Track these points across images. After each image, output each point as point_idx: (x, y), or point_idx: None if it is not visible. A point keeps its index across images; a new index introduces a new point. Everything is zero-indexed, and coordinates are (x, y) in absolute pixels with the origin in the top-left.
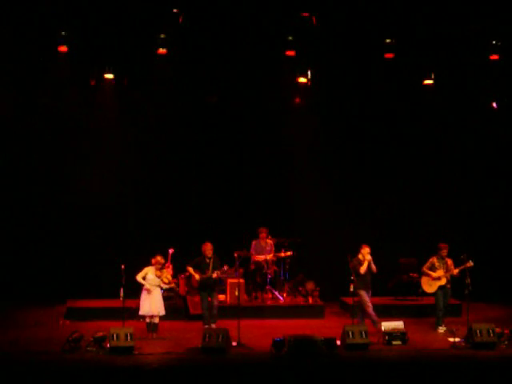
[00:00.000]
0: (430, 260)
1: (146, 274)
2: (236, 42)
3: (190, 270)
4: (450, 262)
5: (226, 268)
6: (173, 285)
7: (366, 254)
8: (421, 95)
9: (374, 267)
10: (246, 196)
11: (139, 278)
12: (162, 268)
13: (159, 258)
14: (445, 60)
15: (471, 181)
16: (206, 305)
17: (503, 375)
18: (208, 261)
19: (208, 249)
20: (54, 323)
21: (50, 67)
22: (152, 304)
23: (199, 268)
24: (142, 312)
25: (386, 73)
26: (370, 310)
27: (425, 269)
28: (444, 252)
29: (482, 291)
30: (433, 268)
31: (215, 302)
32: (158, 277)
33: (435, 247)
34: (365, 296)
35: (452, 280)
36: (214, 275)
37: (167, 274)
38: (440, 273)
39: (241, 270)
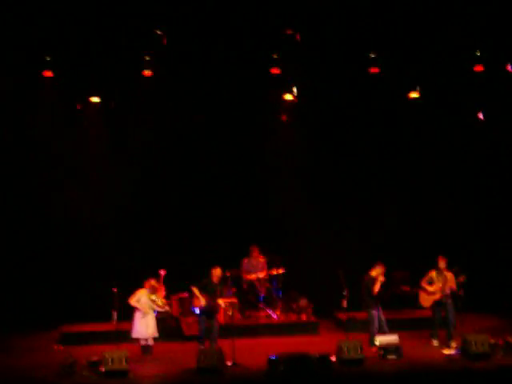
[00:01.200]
0: (429, 274)
1: (140, 297)
2: (221, 60)
3: (196, 290)
4: (449, 275)
5: (234, 290)
6: (167, 308)
7: (380, 274)
8: (407, 108)
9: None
10: (237, 214)
11: (133, 302)
12: (154, 291)
13: (153, 282)
14: (430, 72)
15: (462, 192)
16: (203, 327)
17: None
18: (215, 286)
19: (216, 275)
20: (48, 349)
21: (36, 92)
22: (147, 327)
23: (205, 291)
24: (136, 335)
25: (371, 87)
26: (374, 329)
27: (422, 283)
28: (441, 264)
29: (474, 302)
30: (431, 282)
31: (216, 325)
32: (152, 301)
33: (429, 260)
34: (374, 316)
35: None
36: (221, 303)
37: (161, 297)
38: (436, 287)
39: (233, 289)
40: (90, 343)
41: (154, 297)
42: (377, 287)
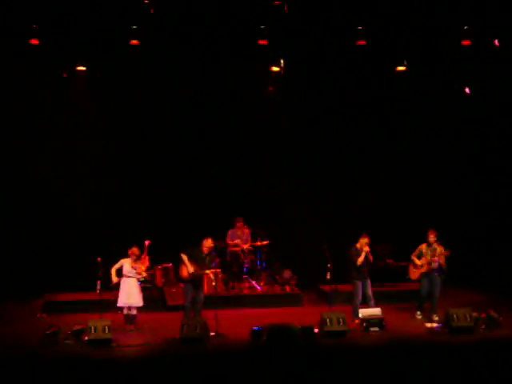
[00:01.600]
0: (420, 247)
1: (122, 265)
2: (208, 32)
3: (185, 258)
4: (439, 248)
5: (218, 261)
6: (146, 275)
7: (364, 244)
8: (393, 82)
9: (370, 257)
10: (222, 186)
11: (113, 269)
12: (137, 259)
13: (135, 250)
14: (417, 46)
15: (445, 166)
16: (190, 297)
17: (480, 359)
18: (204, 256)
19: (207, 245)
20: (31, 317)
21: (22, 60)
22: (129, 295)
23: (194, 260)
24: (119, 303)
25: (358, 60)
26: (357, 302)
27: (412, 256)
28: (431, 238)
29: (458, 276)
30: (420, 255)
31: (202, 297)
32: (134, 268)
33: (415, 233)
34: (358, 288)
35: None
36: (210, 274)
37: (142, 265)
38: (424, 260)
39: (217, 260)
40: (74, 312)
41: (134, 264)
42: (361, 258)
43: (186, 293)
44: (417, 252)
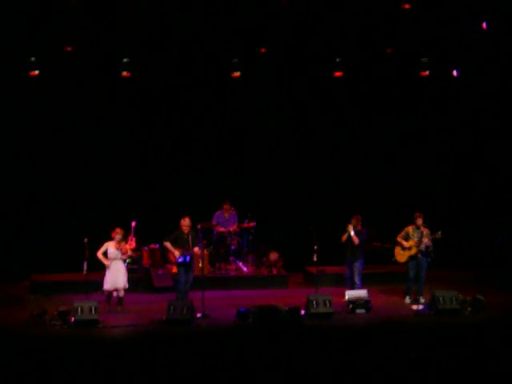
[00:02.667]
0: (406, 229)
1: (107, 248)
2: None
3: (169, 245)
4: (426, 231)
5: (205, 243)
6: (131, 253)
7: (351, 225)
8: (381, 64)
9: (354, 239)
10: (208, 167)
11: (100, 254)
12: (121, 240)
13: (118, 230)
14: (405, 29)
15: (432, 148)
16: (183, 281)
17: (466, 341)
18: (186, 236)
19: (185, 224)
20: (18, 298)
21: None
22: (116, 277)
23: (178, 243)
24: (106, 287)
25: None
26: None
27: (398, 238)
28: (418, 221)
29: (445, 258)
30: (407, 237)
31: (191, 278)
32: (118, 249)
33: (402, 217)
34: (345, 267)
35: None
36: (197, 250)
37: (126, 245)
38: (411, 242)
39: (204, 242)
40: (61, 293)
41: (118, 245)
42: (343, 237)
43: (179, 276)
44: (403, 234)
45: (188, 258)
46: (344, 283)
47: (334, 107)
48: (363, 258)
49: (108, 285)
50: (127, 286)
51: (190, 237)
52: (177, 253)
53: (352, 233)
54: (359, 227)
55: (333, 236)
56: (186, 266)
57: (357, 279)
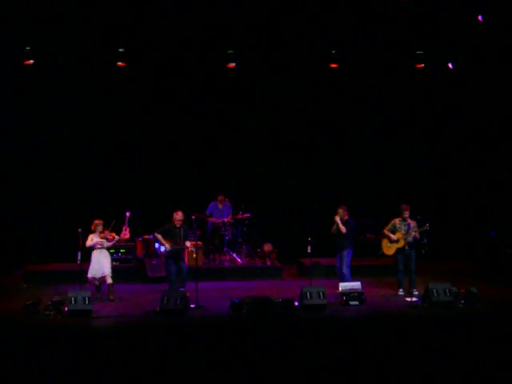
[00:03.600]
0: (392, 221)
1: (92, 240)
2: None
3: (160, 238)
4: (413, 223)
5: (199, 234)
6: (116, 237)
7: (336, 216)
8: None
9: (341, 228)
10: (204, 158)
11: (88, 242)
12: (103, 230)
13: (97, 221)
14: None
15: (428, 140)
16: (173, 271)
17: (459, 333)
18: (178, 230)
19: (178, 218)
20: (12, 288)
21: None
22: (101, 266)
23: (169, 236)
24: (90, 274)
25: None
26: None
27: (385, 230)
28: (405, 213)
29: (439, 251)
30: (394, 230)
31: (185, 267)
32: (104, 238)
33: (394, 208)
34: (336, 258)
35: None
36: (188, 245)
37: (108, 232)
38: (399, 235)
39: (198, 233)
40: (54, 283)
41: (102, 234)
42: (332, 228)
43: (168, 267)
44: (389, 226)
45: (161, 248)
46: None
47: (330, 100)
48: (352, 248)
49: (93, 272)
50: (108, 273)
51: (181, 230)
52: (167, 244)
53: (339, 222)
54: (346, 217)
55: (327, 227)
56: (174, 257)
57: (345, 270)
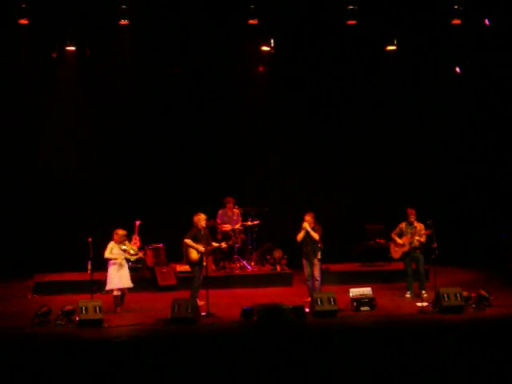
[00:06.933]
0: (399, 226)
1: (112, 249)
2: (198, 11)
3: (190, 242)
4: (419, 227)
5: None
6: (140, 254)
7: (305, 223)
8: (384, 61)
9: (313, 235)
10: (213, 166)
11: (108, 254)
12: (124, 240)
13: (120, 232)
14: (407, 25)
15: (437, 144)
16: (199, 279)
17: (470, 338)
18: (203, 232)
19: (203, 219)
20: (22, 298)
21: (12, 41)
22: (122, 278)
23: (198, 240)
24: (110, 286)
25: (348, 39)
26: (306, 280)
27: (392, 234)
28: (411, 217)
29: (449, 255)
30: (401, 234)
31: (203, 276)
32: (124, 250)
33: (403, 213)
34: (303, 266)
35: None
36: (224, 245)
37: (131, 245)
38: (405, 239)
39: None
40: (65, 293)
41: (124, 246)
42: (299, 235)
43: (195, 275)
44: (397, 230)
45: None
46: (308, 283)
47: (338, 104)
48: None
49: (113, 284)
50: (131, 285)
51: (206, 233)
52: (201, 248)
53: (309, 230)
54: (312, 225)
55: (336, 233)
56: (201, 264)
57: (318, 276)
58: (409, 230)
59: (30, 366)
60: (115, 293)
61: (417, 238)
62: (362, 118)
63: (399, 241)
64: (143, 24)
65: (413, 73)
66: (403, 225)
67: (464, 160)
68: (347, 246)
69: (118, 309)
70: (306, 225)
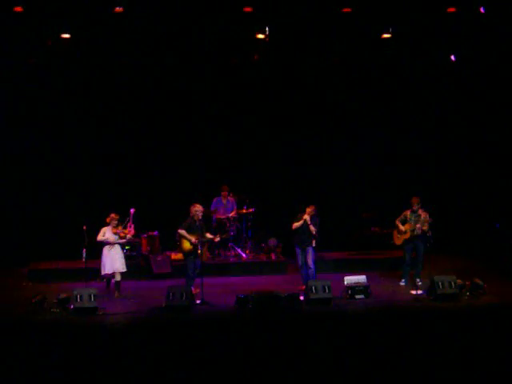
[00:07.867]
0: (404, 213)
1: (105, 233)
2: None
3: (184, 233)
4: (424, 215)
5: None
6: (130, 237)
7: (305, 215)
8: (379, 49)
9: (311, 228)
10: (207, 153)
11: (100, 237)
12: (118, 224)
13: (113, 215)
14: (402, 13)
15: (433, 132)
16: (192, 266)
17: (464, 325)
18: (199, 223)
19: (200, 210)
20: (16, 286)
21: (6, 28)
22: (113, 261)
23: (191, 231)
24: (104, 272)
25: (343, 27)
26: (299, 267)
27: (396, 221)
28: (414, 206)
29: (444, 243)
30: (405, 221)
31: (199, 264)
32: (115, 233)
33: (401, 201)
34: (296, 254)
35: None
36: (218, 239)
37: (122, 228)
38: (407, 226)
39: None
40: (60, 281)
41: (115, 229)
42: (296, 224)
43: (188, 264)
44: (401, 217)
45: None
46: (302, 271)
47: (334, 93)
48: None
49: (106, 268)
50: (125, 269)
51: (201, 224)
52: (192, 238)
53: (309, 223)
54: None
55: (332, 222)
56: (194, 253)
57: (311, 264)
58: (412, 218)
59: (24, 353)
60: (109, 277)
61: (418, 225)
62: (359, 106)
63: (402, 228)
64: (138, 11)
65: (408, 60)
66: (408, 212)
67: (459, 148)
68: (343, 235)
69: (116, 293)
70: (307, 217)
